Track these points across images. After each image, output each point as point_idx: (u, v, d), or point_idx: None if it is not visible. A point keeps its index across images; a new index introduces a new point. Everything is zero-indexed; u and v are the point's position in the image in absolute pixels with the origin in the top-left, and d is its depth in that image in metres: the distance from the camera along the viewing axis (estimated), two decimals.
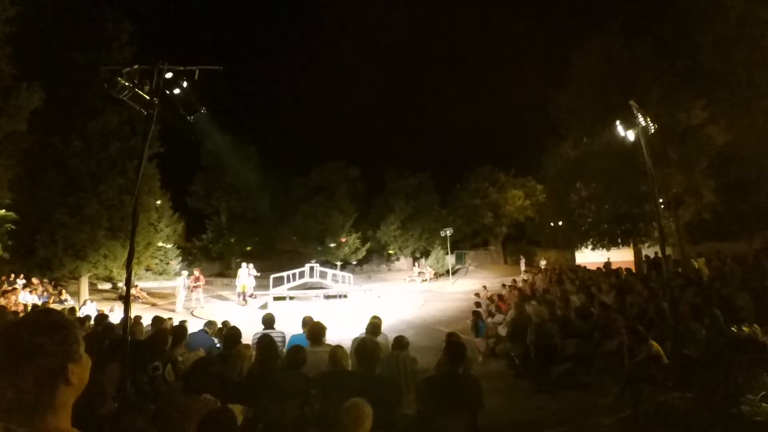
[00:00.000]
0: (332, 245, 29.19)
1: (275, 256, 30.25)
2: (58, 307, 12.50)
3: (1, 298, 11.22)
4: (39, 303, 12.10)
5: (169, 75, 3.24)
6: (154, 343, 3.88)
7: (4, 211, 10.51)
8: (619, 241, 17.60)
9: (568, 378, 6.03)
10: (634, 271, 15.25)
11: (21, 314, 9.01)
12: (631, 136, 7.05)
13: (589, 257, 21.52)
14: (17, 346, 0.95)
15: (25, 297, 12.21)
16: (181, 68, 3.28)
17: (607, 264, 16.68)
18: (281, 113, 48.12)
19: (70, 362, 0.98)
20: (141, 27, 15.53)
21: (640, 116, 6.61)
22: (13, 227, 10.87)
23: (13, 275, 13.69)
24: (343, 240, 29.51)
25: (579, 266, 20.33)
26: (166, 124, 11.58)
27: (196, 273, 16.02)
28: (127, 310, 3.10)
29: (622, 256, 19.04)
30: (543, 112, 20.27)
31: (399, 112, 51.87)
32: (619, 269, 14.74)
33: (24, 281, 13.44)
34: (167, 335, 4.17)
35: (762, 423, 4.22)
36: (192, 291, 15.58)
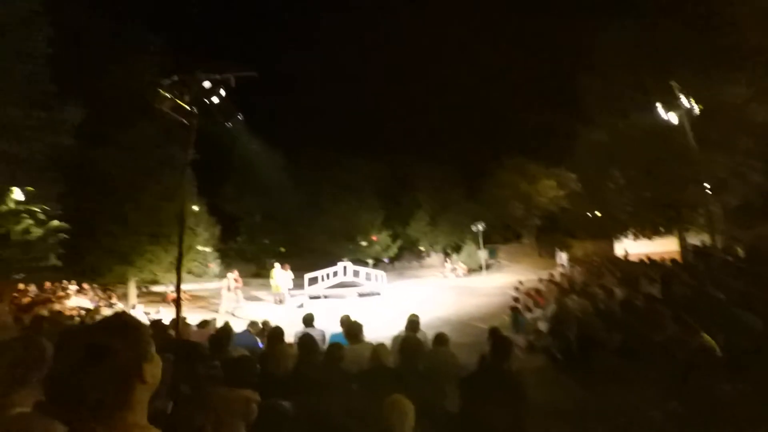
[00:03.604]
0: (363, 243, 29.37)
1: (308, 256, 30.66)
2: (107, 311, 13.20)
3: (57, 303, 11.96)
4: (91, 306, 12.80)
5: (206, 84, 3.35)
6: (216, 344, 4.03)
7: (56, 222, 11.15)
8: (662, 229, 16.85)
9: (614, 372, 5.83)
10: (679, 260, 14.57)
11: (76, 317, 9.57)
12: (672, 118, 6.73)
13: (629, 247, 20.75)
14: (94, 349, 1.01)
15: (78, 301, 12.95)
16: (218, 77, 3.39)
17: (625, 256, 15.82)
18: (306, 112, 48.63)
19: (143, 361, 1.04)
20: (173, 37, 16.17)
21: (682, 97, 6.30)
22: (65, 236, 11.53)
23: (65, 281, 14.56)
24: (375, 238, 29.63)
25: (619, 257, 19.63)
26: (199, 130, 11.93)
27: (234, 275, 16.48)
28: (178, 311, 3.24)
29: (665, 246, 18.23)
30: (574, 99, 19.68)
31: (423, 107, 51.39)
32: (662, 259, 14.10)
33: (76, 287, 14.25)
34: (228, 336, 4.32)
35: None
36: (235, 290, 16.05)
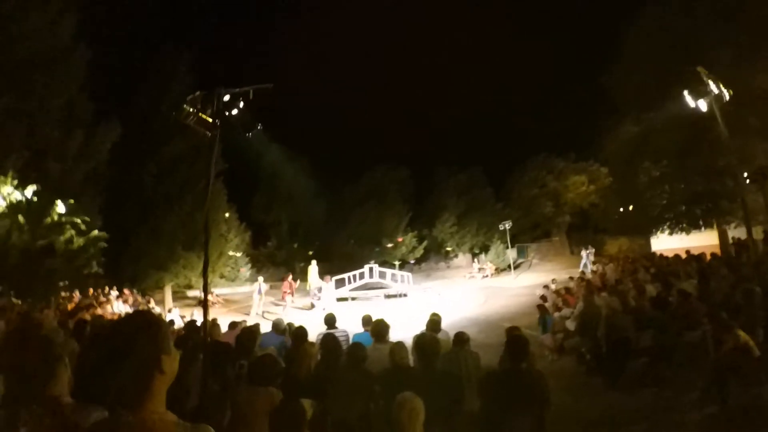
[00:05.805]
0: (389, 245, 29.48)
1: (335, 260, 31.11)
2: None
3: (99, 308, 12.63)
4: (130, 311, 13.45)
5: (226, 98, 3.53)
6: (242, 344, 4.20)
7: (96, 231, 11.78)
8: (701, 222, 16.10)
9: (646, 374, 5.65)
10: (719, 254, 13.88)
11: None
12: (702, 105, 6.46)
13: (666, 243, 19.90)
14: (119, 342, 1.14)
15: (119, 306, 13.62)
16: (237, 90, 3.56)
17: (659, 252, 15.07)
18: (330, 119, 49.11)
19: (162, 354, 1.15)
20: (200, 53, 17.07)
21: (711, 83, 6.04)
22: (105, 245, 12.18)
23: (107, 287, 15.36)
24: (400, 240, 29.69)
25: (655, 253, 18.88)
26: (228, 142, 12.40)
27: (288, 279, 16.83)
28: (205, 314, 3.41)
29: (705, 240, 17.40)
30: (599, 91, 19.11)
31: (444, 105, 50.87)
32: (702, 253, 13.46)
33: (117, 293, 15.01)
34: (254, 336, 4.49)
35: None
36: (284, 296, 16.49)
